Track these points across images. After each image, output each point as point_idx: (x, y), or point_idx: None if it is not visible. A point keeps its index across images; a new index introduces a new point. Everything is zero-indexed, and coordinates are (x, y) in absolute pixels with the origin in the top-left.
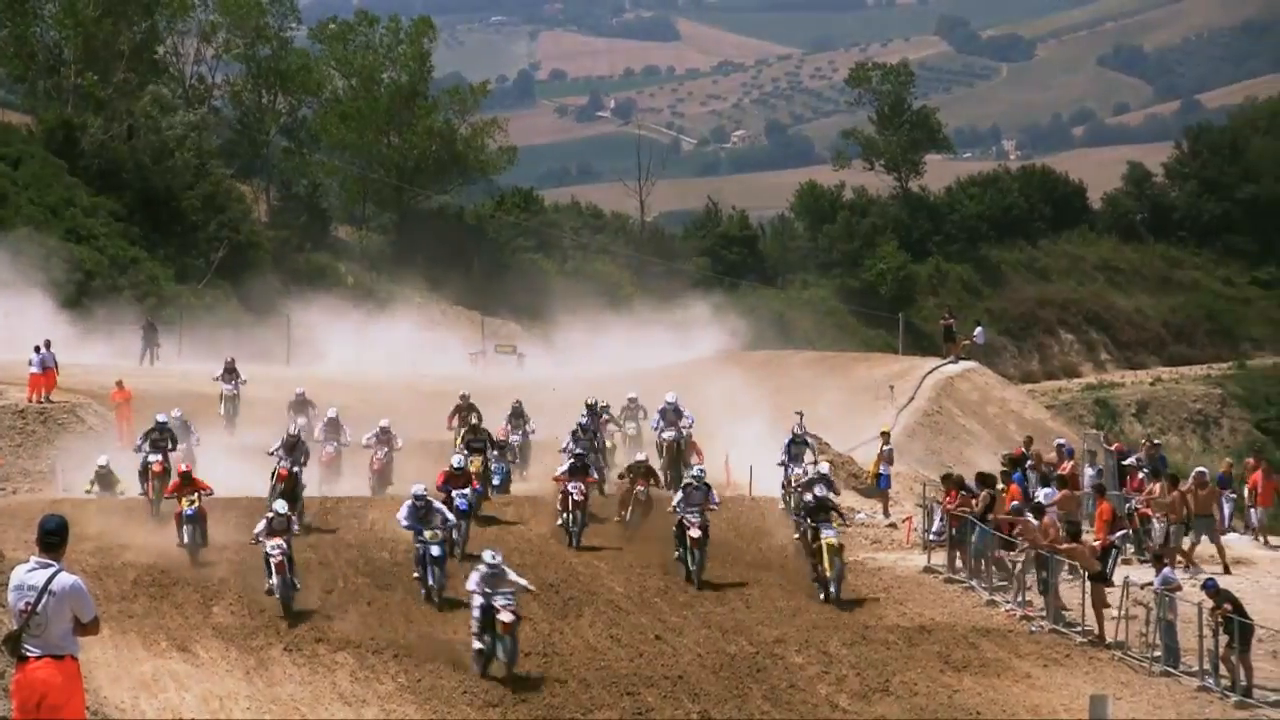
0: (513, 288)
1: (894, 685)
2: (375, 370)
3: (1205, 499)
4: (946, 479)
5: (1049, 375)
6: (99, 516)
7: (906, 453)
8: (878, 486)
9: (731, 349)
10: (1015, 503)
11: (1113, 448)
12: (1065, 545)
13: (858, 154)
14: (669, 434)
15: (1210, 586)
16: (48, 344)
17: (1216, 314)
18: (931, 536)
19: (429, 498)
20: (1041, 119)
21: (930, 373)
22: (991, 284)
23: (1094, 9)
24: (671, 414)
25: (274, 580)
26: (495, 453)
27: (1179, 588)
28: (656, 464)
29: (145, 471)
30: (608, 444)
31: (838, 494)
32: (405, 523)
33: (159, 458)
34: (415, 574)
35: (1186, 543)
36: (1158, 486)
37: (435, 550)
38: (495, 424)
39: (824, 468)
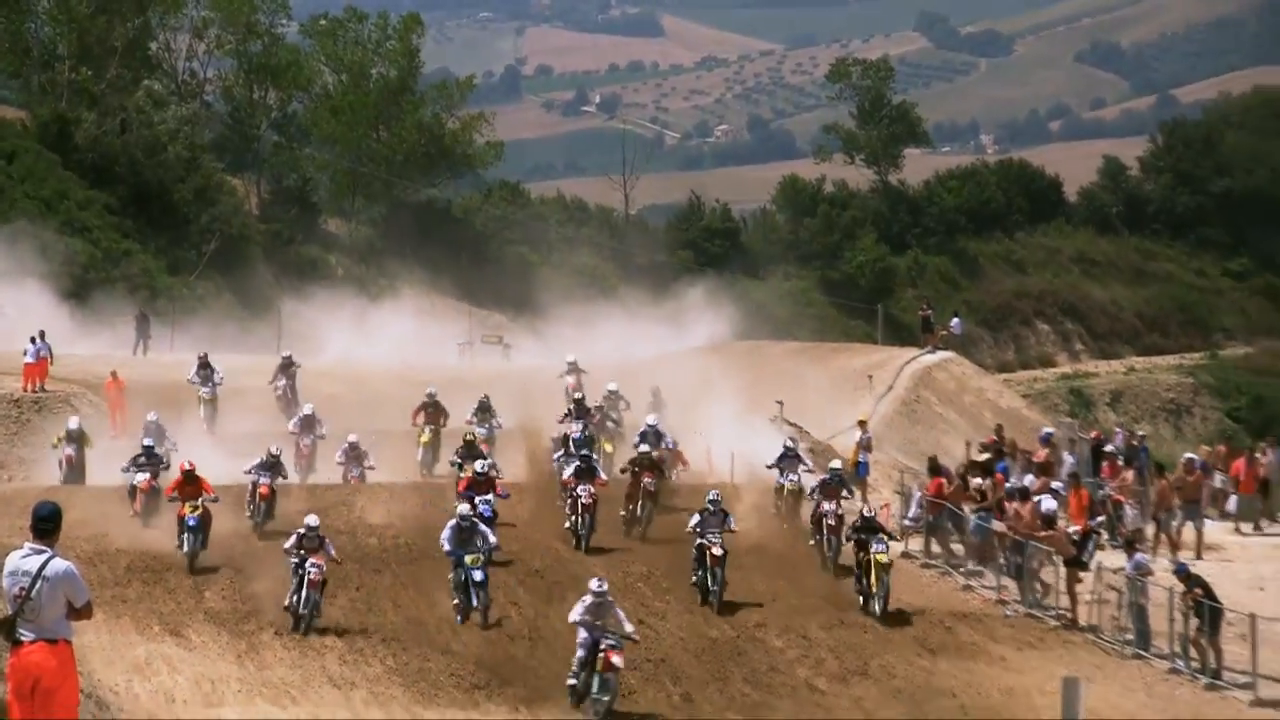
0: (500, 280)
1: (872, 668)
2: (365, 360)
3: (1193, 485)
4: (935, 467)
5: (1025, 365)
6: (93, 504)
7: (884, 441)
8: (856, 474)
9: (715, 340)
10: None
11: (1090, 435)
12: (1044, 532)
13: (838, 148)
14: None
15: (1182, 571)
16: (42, 335)
17: (1189, 305)
18: (908, 522)
19: (474, 518)
20: (1019, 114)
21: (908, 363)
22: (969, 276)
23: (1071, 6)
24: (652, 437)
25: (301, 595)
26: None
27: (1150, 572)
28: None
29: (133, 491)
30: (608, 448)
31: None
32: (448, 546)
33: (146, 476)
34: (455, 600)
35: (1173, 528)
36: (1130, 474)
37: (478, 575)
38: (464, 417)
39: (836, 464)
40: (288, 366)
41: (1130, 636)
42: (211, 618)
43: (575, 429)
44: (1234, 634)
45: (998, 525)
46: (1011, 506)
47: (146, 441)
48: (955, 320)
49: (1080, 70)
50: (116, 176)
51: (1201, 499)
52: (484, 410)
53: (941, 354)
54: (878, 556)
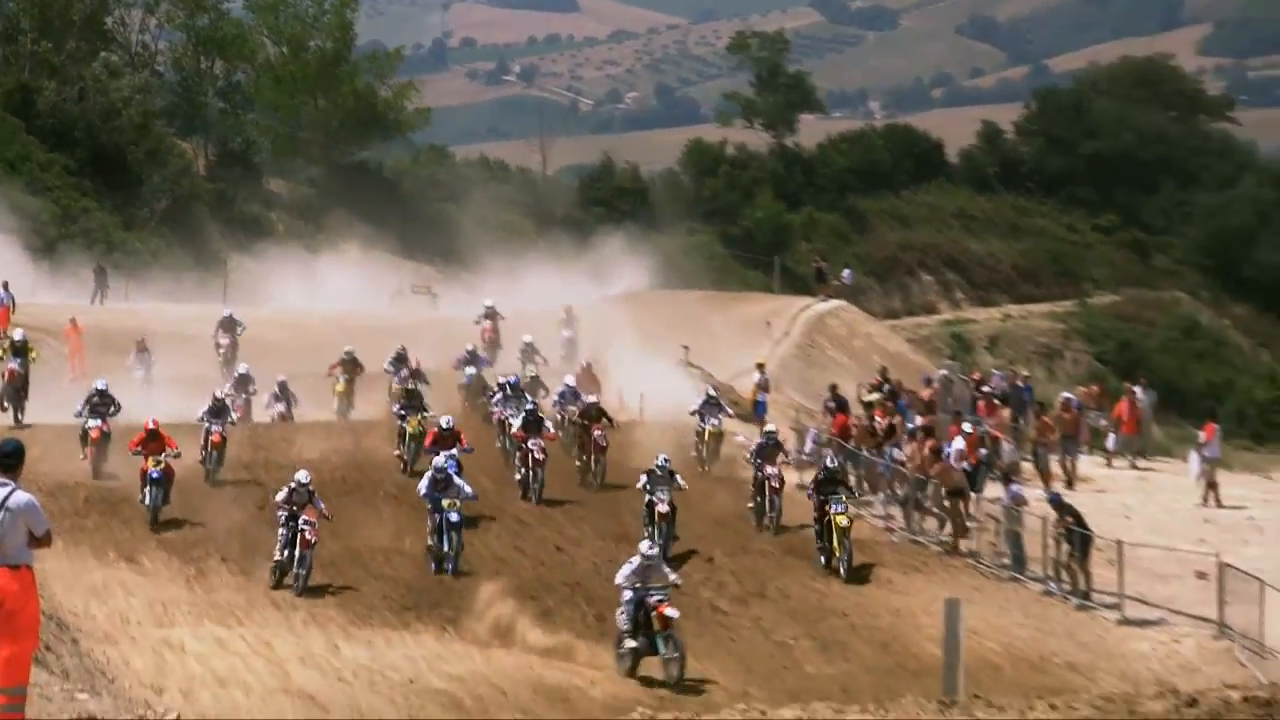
0: (429, 235)
1: (769, 590)
2: (306, 309)
3: (1069, 422)
4: (842, 404)
5: (910, 312)
6: (55, 441)
7: (781, 382)
8: (755, 412)
9: (629, 289)
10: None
11: (973, 377)
12: (937, 466)
13: (738, 114)
14: (572, 408)
15: (1055, 500)
16: (5, 285)
17: (1060, 257)
18: (804, 456)
19: (449, 472)
20: (904, 82)
21: (803, 310)
22: (858, 231)
23: None
24: (570, 395)
25: (294, 554)
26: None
27: (1025, 502)
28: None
29: (85, 436)
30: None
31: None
32: (424, 492)
33: (98, 423)
34: (429, 543)
35: (1050, 461)
36: (1006, 412)
37: (454, 516)
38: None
39: (770, 427)
40: (231, 326)
41: (1007, 561)
42: (163, 545)
43: (511, 376)
44: (1102, 559)
45: (902, 458)
46: (911, 445)
47: (100, 384)
48: (846, 271)
49: (960, 42)
50: (75, 140)
51: (1078, 435)
52: (400, 360)
53: (833, 302)
54: (837, 518)
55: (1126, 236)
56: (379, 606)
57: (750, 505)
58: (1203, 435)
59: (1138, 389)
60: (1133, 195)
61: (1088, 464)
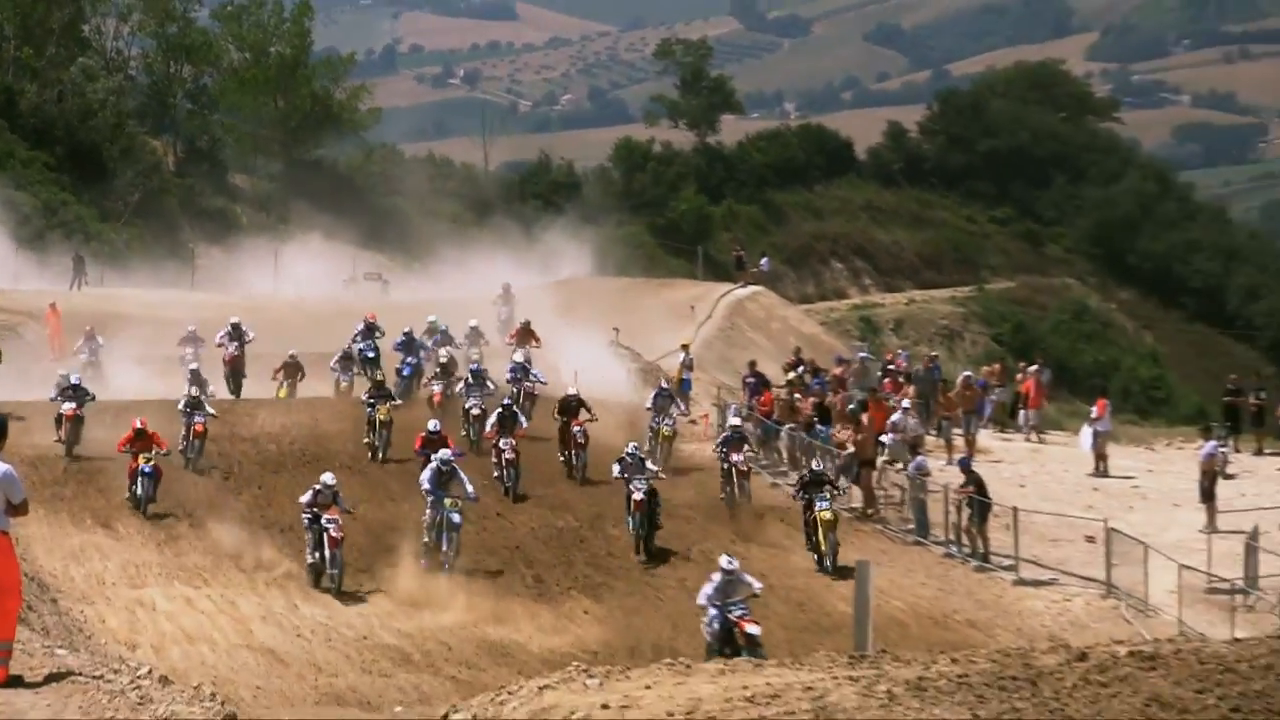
0: (380, 226)
1: (694, 554)
2: (268, 294)
3: (970, 398)
4: (765, 382)
5: (822, 297)
6: (38, 416)
7: (704, 362)
8: (681, 390)
9: (564, 276)
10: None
11: (886, 357)
12: (856, 438)
13: (664, 114)
14: (526, 384)
15: (964, 464)
16: None
17: (960, 246)
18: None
19: (454, 464)
20: (816, 85)
21: (724, 295)
22: (775, 222)
23: None
24: (521, 371)
25: (325, 554)
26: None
27: (929, 473)
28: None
29: (59, 419)
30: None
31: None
32: (427, 486)
33: (72, 405)
34: (425, 539)
35: (953, 434)
36: (911, 389)
37: (455, 518)
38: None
39: (734, 421)
40: (238, 334)
41: (912, 527)
42: (136, 513)
43: (473, 355)
44: (999, 524)
45: (843, 435)
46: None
47: (74, 379)
48: (764, 259)
49: (868, 49)
50: (55, 139)
51: (980, 410)
52: (347, 359)
53: (752, 288)
54: (822, 514)
55: (1020, 227)
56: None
57: (721, 496)
58: (1094, 410)
59: (1035, 369)
60: (1026, 189)
61: (986, 437)
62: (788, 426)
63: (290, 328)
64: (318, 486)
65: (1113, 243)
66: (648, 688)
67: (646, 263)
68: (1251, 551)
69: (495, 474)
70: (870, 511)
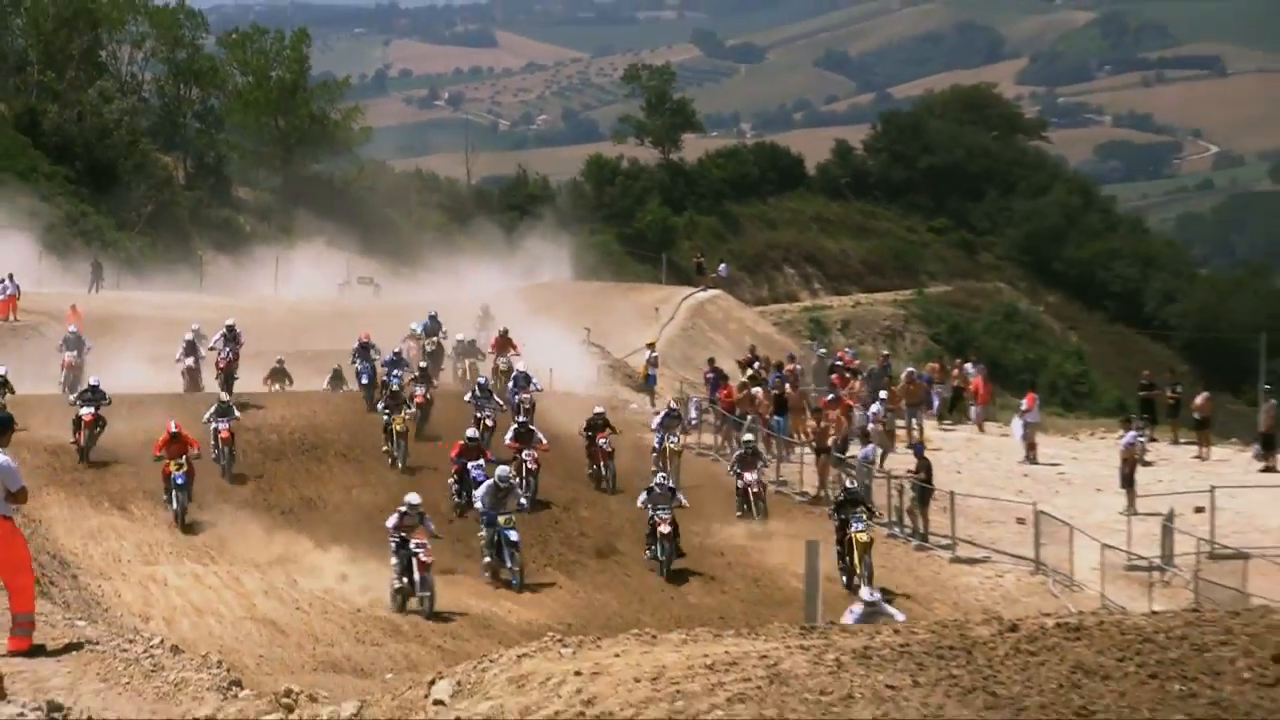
0: (372, 234)
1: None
2: (270, 297)
3: (914, 392)
4: (724, 375)
5: (775, 300)
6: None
7: (668, 359)
8: (646, 384)
9: (541, 280)
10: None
11: (838, 355)
12: (813, 427)
13: (631, 133)
14: (524, 395)
15: (918, 450)
16: (11, 277)
17: (901, 253)
18: (692, 421)
19: (511, 479)
20: (770, 107)
21: (686, 299)
22: (732, 231)
23: (811, 24)
24: (522, 379)
25: (415, 579)
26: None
27: (874, 461)
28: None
29: (78, 422)
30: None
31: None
32: (482, 505)
33: (90, 410)
34: (486, 559)
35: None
36: (857, 384)
37: (513, 535)
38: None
39: (747, 437)
40: (232, 338)
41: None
42: (149, 495)
43: (481, 378)
44: (938, 507)
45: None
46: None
47: (93, 380)
48: (722, 266)
49: (817, 73)
50: (75, 155)
51: (928, 403)
52: (338, 378)
53: (711, 292)
54: (858, 536)
55: (956, 236)
56: (330, 547)
57: (738, 514)
58: (1024, 403)
59: (969, 366)
60: (961, 202)
61: (927, 427)
62: (749, 418)
63: (290, 328)
64: (403, 508)
65: (1040, 251)
66: (617, 656)
67: (615, 268)
68: (1167, 532)
69: (514, 481)
70: (821, 495)
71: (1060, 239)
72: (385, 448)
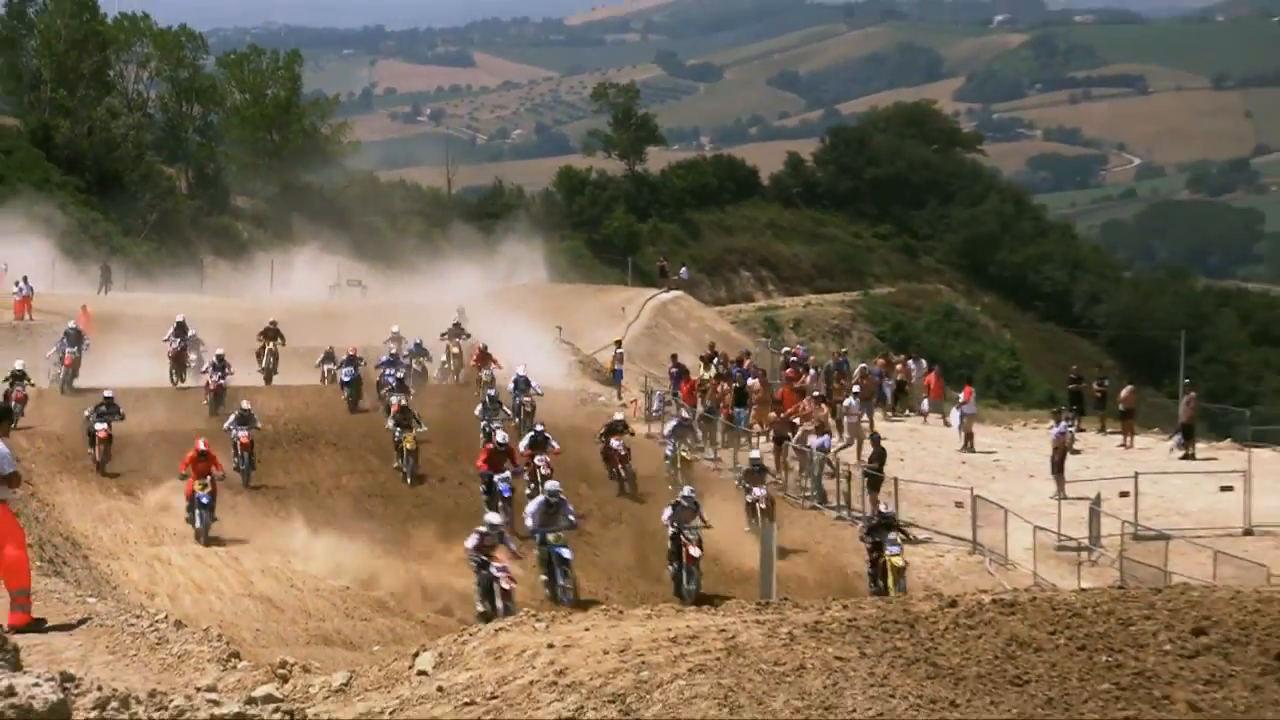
0: (360, 240)
1: (624, 517)
2: (265, 297)
3: (868, 386)
4: (685, 371)
5: (733, 300)
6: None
7: (634, 355)
8: (613, 379)
9: (519, 283)
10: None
11: (791, 349)
12: (772, 419)
13: (600, 146)
14: (525, 398)
15: (875, 438)
16: (25, 278)
17: (849, 257)
18: (655, 412)
19: (562, 494)
20: (728, 122)
21: (650, 299)
22: (692, 237)
23: (764, 45)
24: (523, 383)
25: (498, 606)
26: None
27: (828, 450)
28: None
29: (92, 436)
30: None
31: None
32: (532, 523)
33: (105, 426)
34: (542, 576)
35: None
36: (808, 378)
37: (565, 553)
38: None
39: (754, 454)
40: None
41: (810, 494)
42: (154, 481)
43: (490, 388)
44: (884, 492)
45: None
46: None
47: (107, 393)
48: (683, 269)
49: (771, 91)
50: (85, 167)
51: (881, 395)
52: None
53: (674, 293)
54: (893, 560)
55: (899, 242)
56: (322, 530)
57: (746, 529)
58: (962, 396)
59: (911, 361)
60: (904, 210)
61: (879, 421)
62: (710, 408)
63: (284, 326)
64: (483, 529)
65: (977, 255)
66: (587, 630)
67: (585, 271)
68: (1094, 515)
69: (528, 492)
70: (774, 480)
71: (995, 244)
72: (395, 464)
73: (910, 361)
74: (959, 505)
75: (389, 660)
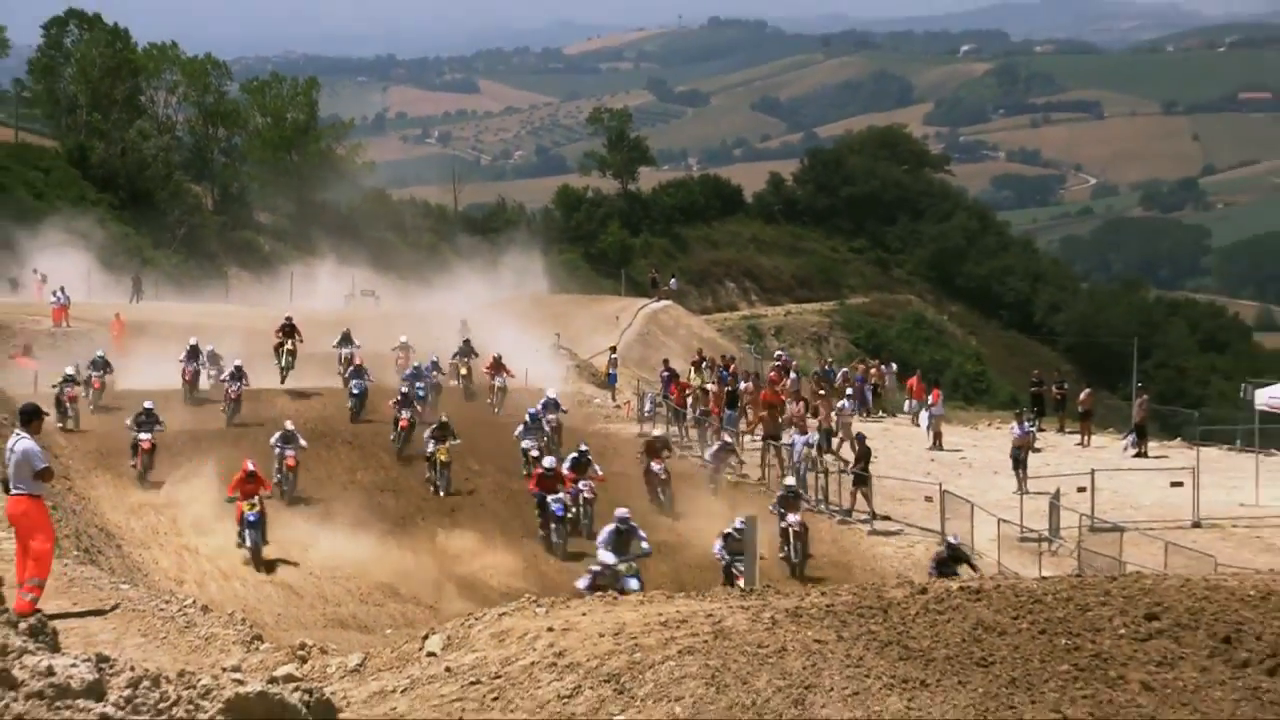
0: (374, 252)
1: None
2: (285, 306)
3: (857, 389)
4: (675, 375)
5: (719, 309)
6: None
7: (627, 360)
8: (608, 383)
9: (521, 293)
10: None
11: (776, 354)
12: (761, 419)
13: (595, 167)
14: (551, 417)
15: (860, 438)
16: (61, 288)
17: (826, 270)
18: (647, 413)
19: (632, 520)
20: (714, 144)
21: (642, 308)
22: (681, 251)
23: (748, 73)
24: (552, 405)
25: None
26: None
27: (811, 446)
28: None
29: (135, 447)
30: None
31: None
32: (603, 550)
33: (148, 436)
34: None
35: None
36: (788, 380)
37: (634, 584)
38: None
39: (789, 481)
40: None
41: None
42: (184, 480)
43: (531, 408)
44: (861, 493)
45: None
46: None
47: (147, 404)
48: (673, 280)
49: (754, 116)
50: (118, 185)
51: (862, 398)
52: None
53: (664, 302)
54: None
55: (873, 255)
56: (337, 522)
57: (781, 555)
58: (931, 398)
59: (884, 366)
60: (878, 225)
61: (857, 421)
62: (699, 410)
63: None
64: (595, 568)
65: (945, 267)
66: (584, 614)
67: (581, 283)
68: (1054, 509)
69: (569, 514)
70: (762, 478)
71: (962, 257)
72: (428, 475)
73: (883, 366)
74: (928, 500)
75: (400, 642)
